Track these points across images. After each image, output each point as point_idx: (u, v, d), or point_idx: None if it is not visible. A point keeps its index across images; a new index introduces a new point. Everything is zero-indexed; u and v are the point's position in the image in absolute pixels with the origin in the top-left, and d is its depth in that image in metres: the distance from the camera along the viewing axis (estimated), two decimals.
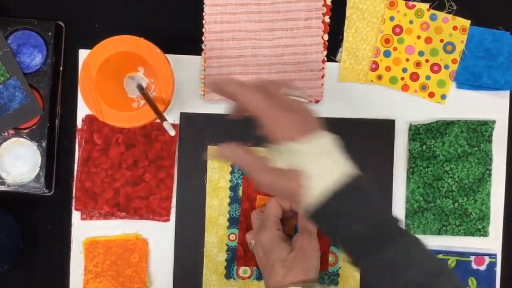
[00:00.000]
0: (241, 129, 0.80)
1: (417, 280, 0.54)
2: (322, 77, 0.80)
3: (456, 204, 0.79)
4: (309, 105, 0.59)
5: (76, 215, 0.80)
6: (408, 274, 0.55)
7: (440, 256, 0.80)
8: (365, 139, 0.80)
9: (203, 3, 0.79)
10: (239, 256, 0.80)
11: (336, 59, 0.80)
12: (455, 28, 0.78)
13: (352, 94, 0.80)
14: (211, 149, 0.76)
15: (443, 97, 0.80)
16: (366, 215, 0.55)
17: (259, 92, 0.58)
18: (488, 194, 0.79)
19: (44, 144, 0.78)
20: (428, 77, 0.79)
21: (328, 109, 0.80)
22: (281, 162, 0.56)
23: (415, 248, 0.57)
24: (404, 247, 0.56)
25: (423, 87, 0.80)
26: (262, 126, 0.57)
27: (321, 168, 0.55)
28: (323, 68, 0.79)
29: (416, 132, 0.79)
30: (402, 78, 0.79)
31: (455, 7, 0.79)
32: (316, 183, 0.55)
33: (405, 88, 0.80)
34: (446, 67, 0.79)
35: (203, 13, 0.79)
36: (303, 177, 0.55)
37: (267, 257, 0.70)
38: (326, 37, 0.79)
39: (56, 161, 0.80)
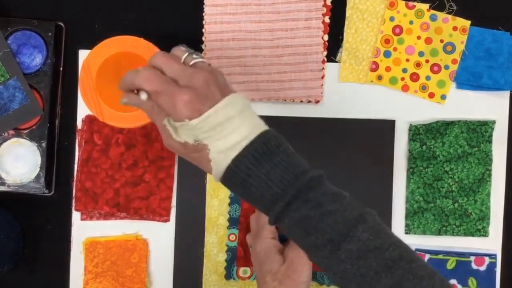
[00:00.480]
0: None
1: (329, 236, 0.54)
2: (322, 77, 0.80)
3: (456, 205, 0.79)
4: (209, 66, 0.58)
5: (76, 216, 0.80)
6: (320, 230, 0.54)
7: (440, 256, 0.80)
8: (365, 139, 0.80)
9: (203, 3, 0.79)
10: (239, 256, 0.80)
11: (336, 60, 0.80)
12: (455, 28, 0.78)
13: (352, 94, 0.80)
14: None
15: (443, 97, 0.80)
16: (274, 173, 0.54)
17: (152, 69, 0.57)
18: (488, 195, 0.79)
19: (44, 144, 0.78)
20: (428, 78, 0.79)
21: (328, 109, 0.80)
22: (185, 137, 0.56)
23: (329, 202, 0.55)
24: (316, 201, 0.54)
25: (423, 88, 0.80)
26: (160, 105, 0.56)
27: (223, 137, 0.54)
28: (323, 68, 0.79)
29: (416, 133, 0.79)
30: (402, 79, 0.79)
31: (455, 8, 0.79)
32: (221, 153, 0.55)
33: (405, 88, 0.80)
34: (446, 67, 0.79)
35: (203, 14, 0.79)
36: (208, 149, 0.55)
37: (260, 268, 0.71)
38: (326, 37, 0.79)
39: (56, 161, 0.80)
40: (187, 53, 0.58)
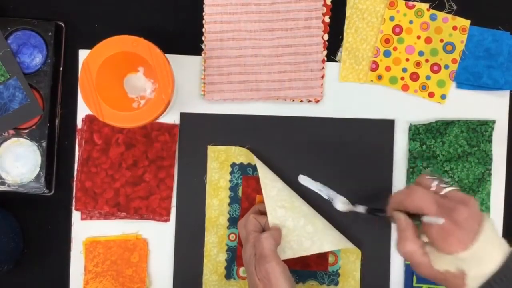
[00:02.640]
0: (241, 129, 0.80)
1: None
2: (322, 77, 0.80)
3: None
4: (470, 198, 0.61)
5: (76, 215, 0.80)
6: None
7: None
8: (365, 139, 0.80)
9: (203, 3, 0.79)
10: (239, 256, 0.80)
11: (336, 59, 0.80)
12: (455, 28, 0.79)
13: (352, 94, 0.80)
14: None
15: (443, 97, 0.80)
16: None
17: (426, 192, 0.62)
18: (488, 194, 0.79)
19: (44, 144, 0.78)
20: (428, 77, 0.79)
21: (328, 109, 0.80)
22: (444, 265, 0.60)
23: None
24: None
25: (423, 87, 0.80)
26: (430, 234, 0.60)
27: (479, 264, 0.59)
28: (323, 68, 0.79)
29: (416, 132, 0.79)
30: (402, 78, 0.79)
31: (455, 7, 0.79)
32: (474, 279, 0.59)
33: (405, 88, 0.80)
34: (446, 67, 0.79)
35: (203, 13, 0.79)
36: (464, 277, 0.59)
37: (247, 275, 0.71)
38: (326, 37, 0.79)
39: (56, 161, 0.80)
40: (437, 182, 0.63)
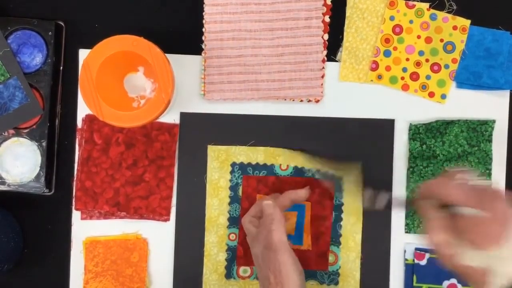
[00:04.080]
0: (242, 129, 0.80)
1: None
2: (322, 77, 0.80)
3: None
4: (503, 194, 0.59)
5: (76, 215, 0.80)
6: None
7: None
8: (365, 139, 0.80)
9: (203, 3, 0.79)
10: (239, 256, 0.80)
11: (336, 59, 0.80)
12: (455, 27, 0.79)
13: (352, 94, 0.80)
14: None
15: (443, 96, 0.80)
16: None
17: (462, 183, 0.59)
18: None
19: (44, 143, 0.78)
20: (428, 77, 0.79)
21: (328, 109, 0.80)
22: (472, 260, 0.57)
23: None
24: None
25: (423, 87, 0.80)
26: (460, 225, 0.58)
27: (507, 265, 0.56)
28: (323, 68, 0.79)
29: (416, 132, 0.79)
30: (402, 78, 0.79)
31: (455, 7, 0.79)
32: (500, 279, 0.56)
33: (405, 87, 0.80)
34: (446, 66, 0.79)
35: (203, 13, 0.79)
36: (490, 275, 0.56)
37: (261, 270, 0.70)
38: (326, 36, 0.79)
39: (56, 160, 0.80)
40: (469, 174, 0.60)
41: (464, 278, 0.60)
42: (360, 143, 0.79)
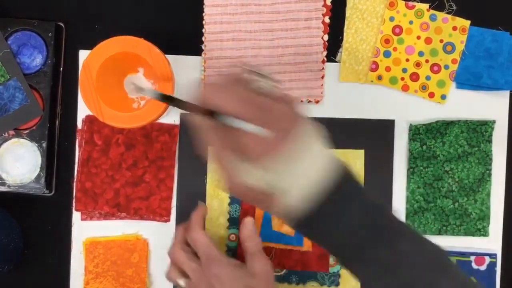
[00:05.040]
0: None
1: (413, 280, 0.51)
2: (322, 77, 0.80)
3: (456, 204, 0.79)
4: (283, 93, 0.51)
5: (76, 216, 0.80)
6: (404, 275, 0.51)
7: None
8: (365, 139, 0.80)
9: (203, 4, 0.79)
10: (239, 255, 0.80)
11: (336, 59, 0.80)
12: (454, 28, 0.79)
13: (352, 94, 0.80)
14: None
15: (443, 97, 0.80)
16: (354, 217, 0.50)
17: (240, 90, 0.49)
18: (488, 194, 0.79)
19: (44, 144, 0.78)
20: (428, 77, 0.79)
21: (328, 109, 0.80)
22: (254, 180, 0.49)
23: (414, 247, 0.52)
24: (400, 246, 0.51)
25: (423, 87, 0.80)
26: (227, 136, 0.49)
27: (298, 178, 0.49)
28: (323, 68, 0.79)
29: (416, 132, 0.79)
30: (402, 78, 0.80)
31: (454, 7, 0.79)
32: (294, 196, 0.49)
33: (405, 88, 0.80)
34: (446, 67, 0.79)
35: (203, 14, 0.79)
36: (280, 195, 0.49)
37: None
38: (326, 37, 0.79)
39: (56, 161, 0.80)
40: (249, 74, 0.52)
41: (253, 203, 0.52)
42: (360, 143, 0.79)
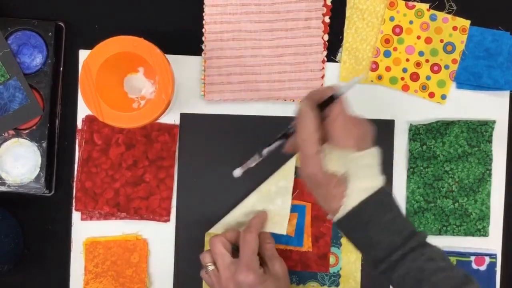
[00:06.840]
0: (241, 129, 0.80)
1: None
2: (322, 77, 0.80)
3: (456, 204, 0.79)
4: (368, 122, 0.64)
5: (76, 216, 0.80)
6: (435, 282, 0.57)
7: None
8: None
9: (203, 4, 0.79)
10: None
11: (336, 59, 0.80)
12: (455, 28, 0.79)
13: (352, 94, 0.80)
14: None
15: (443, 97, 0.80)
16: (391, 225, 0.59)
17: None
18: (488, 194, 0.79)
19: (44, 144, 0.78)
20: (428, 77, 0.79)
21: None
22: (336, 166, 0.60)
23: (440, 259, 0.59)
24: (430, 256, 0.58)
25: (423, 87, 0.80)
26: (331, 132, 0.61)
27: (362, 179, 0.60)
28: (323, 68, 0.79)
29: (416, 132, 0.79)
30: (402, 78, 0.79)
31: (455, 7, 0.79)
32: (355, 193, 0.59)
33: (405, 88, 0.80)
34: (446, 67, 0.79)
35: (203, 14, 0.79)
36: (349, 184, 0.60)
37: None
38: (326, 37, 0.79)
39: (56, 161, 0.80)
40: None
41: (322, 191, 0.61)
42: None
